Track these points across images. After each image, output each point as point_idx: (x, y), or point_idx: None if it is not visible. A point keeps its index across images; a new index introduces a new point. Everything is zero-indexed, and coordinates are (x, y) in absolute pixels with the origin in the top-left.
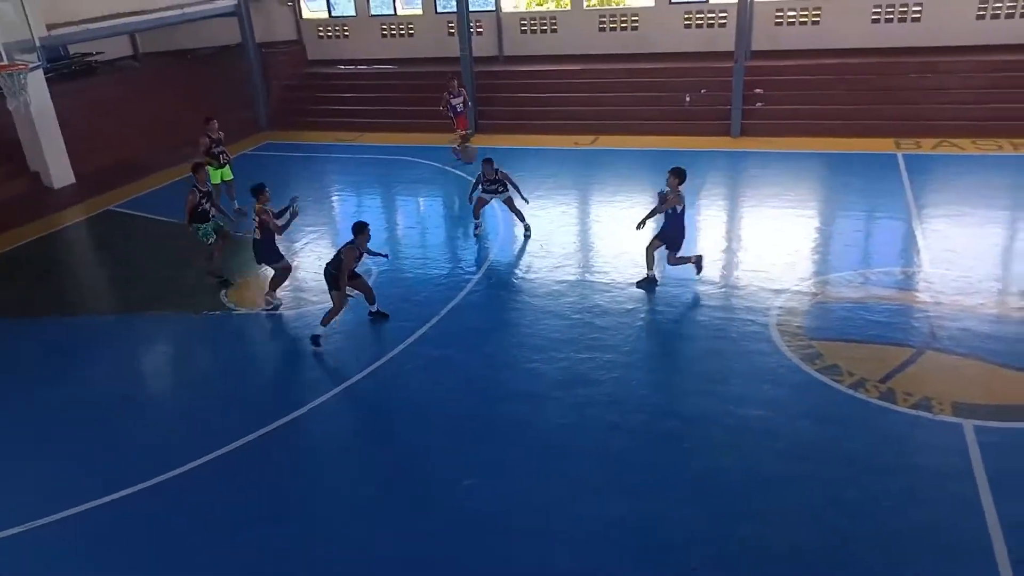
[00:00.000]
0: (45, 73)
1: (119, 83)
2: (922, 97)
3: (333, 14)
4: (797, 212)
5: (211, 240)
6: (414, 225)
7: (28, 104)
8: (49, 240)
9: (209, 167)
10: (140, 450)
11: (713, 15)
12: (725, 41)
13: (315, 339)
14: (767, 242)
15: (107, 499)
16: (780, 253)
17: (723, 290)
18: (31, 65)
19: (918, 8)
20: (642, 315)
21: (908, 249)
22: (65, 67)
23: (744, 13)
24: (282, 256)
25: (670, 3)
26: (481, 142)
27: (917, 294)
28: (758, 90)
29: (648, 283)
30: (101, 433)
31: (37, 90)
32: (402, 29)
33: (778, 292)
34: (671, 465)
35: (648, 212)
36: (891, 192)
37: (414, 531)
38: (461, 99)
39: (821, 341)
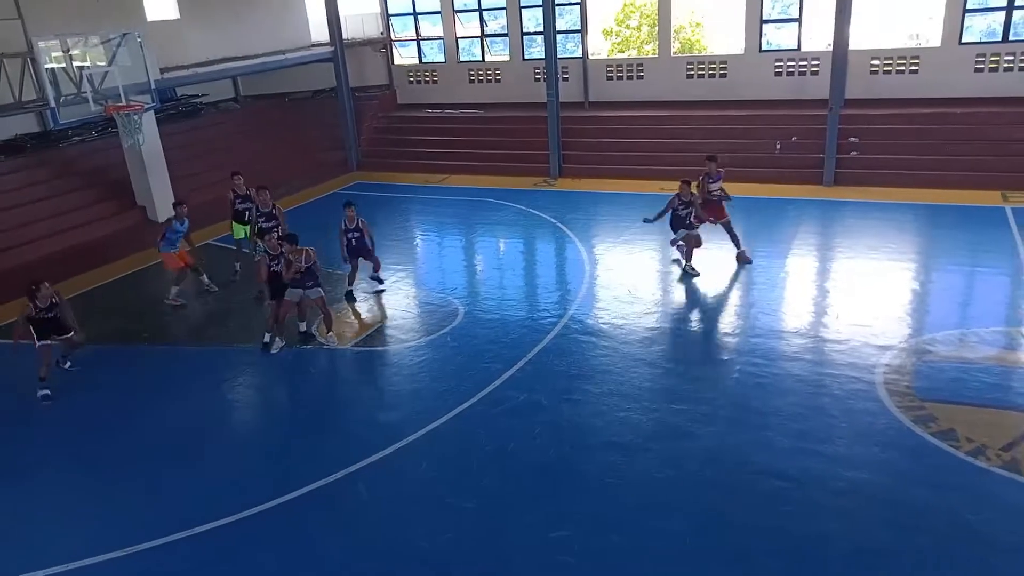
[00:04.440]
0: (155, 113)
1: (221, 124)
2: None
3: (423, 60)
4: (899, 265)
5: (258, 257)
6: (498, 266)
7: (141, 143)
8: (152, 271)
9: (235, 223)
10: (220, 485)
11: (805, 63)
12: (817, 88)
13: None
14: (868, 295)
15: (180, 535)
16: (883, 307)
17: (823, 344)
18: (146, 106)
19: None
20: (738, 367)
21: None
22: (173, 108)
23: (839, 61)
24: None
25: (760, 51)
26: (565, 186)
27: None
28: (853, 139)
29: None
30: (181, 465)
31: (148, 130)
32: (489, 75)
33: (883, 348)
34: (773, 529)
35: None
36: (1001, 247)
37: None
38: (719, 184)
39: (934, 403)
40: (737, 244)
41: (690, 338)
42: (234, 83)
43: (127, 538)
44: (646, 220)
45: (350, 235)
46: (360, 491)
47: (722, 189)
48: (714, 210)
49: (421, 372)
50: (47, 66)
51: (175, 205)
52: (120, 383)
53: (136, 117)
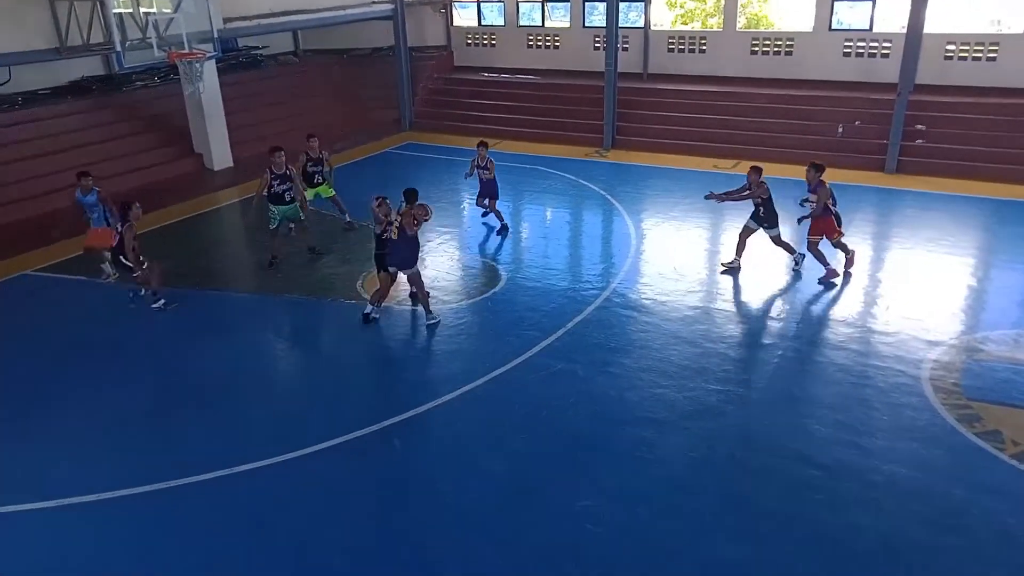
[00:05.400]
0: (216, 63)
1: (279, 76)
2: None
3: (483, 22)
4: (958, 259)
5: (272, 226)
6: (543, 235)
7: (202, 91)
8: (205, 218)
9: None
10: (258, 429)
11: (876, 44)
12: (886, 72)
13: (365, 317)
14: (922, 288)
15: (217, 474)
16: (937, 302)
17: (871, 335)
18: (207, 55)
19: None
20: (780, 351)
21: None
22: (234, 58)
23: (912, 44)
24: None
25: (830, 29)
26: (618, 158)
27: None
28: (920, 126)
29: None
30: (225, 408)
31: (209, 78)
32: (548, 41)
33: (932, 344)
34: (802, 516)
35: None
36: None
37: (521, 545)
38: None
39: (981, 403)
40: (825, 263)
41: (733, 319)
42: (294, 36)
43: (160, 474)
44: (707, 197)
45: (479, 170)
46: (394, 446)
47: (823, 203)
48: (816, 225)
49: (460, 334)
50: (115, 10)
51: (79, 176)
52: (169, 325)
53: (198, 65)
